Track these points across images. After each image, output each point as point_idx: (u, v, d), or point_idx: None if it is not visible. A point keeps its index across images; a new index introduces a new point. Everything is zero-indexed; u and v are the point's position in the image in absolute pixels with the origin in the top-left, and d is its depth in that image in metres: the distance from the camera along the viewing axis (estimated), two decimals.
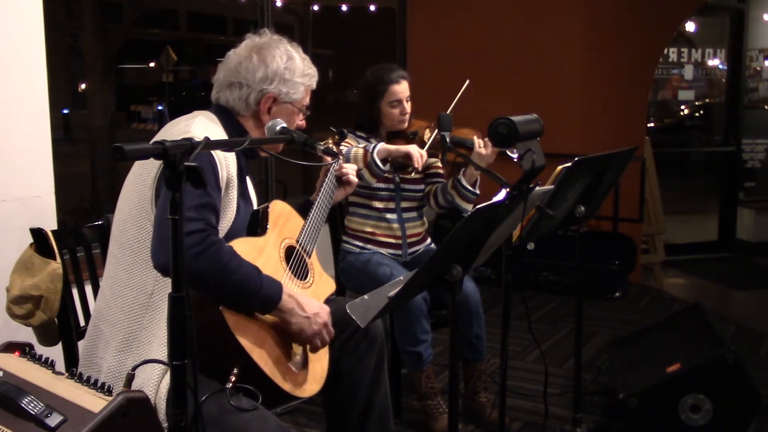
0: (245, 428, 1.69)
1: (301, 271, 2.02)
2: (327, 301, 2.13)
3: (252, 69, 1.98)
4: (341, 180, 2.29)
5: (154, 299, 1.79)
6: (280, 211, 2.06)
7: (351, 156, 2.77)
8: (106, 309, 1.85)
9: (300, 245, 2.06)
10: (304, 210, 2.17)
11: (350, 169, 2.30)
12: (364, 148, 2.79)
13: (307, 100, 2.09)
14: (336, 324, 2.12)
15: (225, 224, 1.86)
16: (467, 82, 2.96)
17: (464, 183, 2.97)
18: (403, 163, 3.05)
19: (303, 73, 2.04)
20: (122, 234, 1.85)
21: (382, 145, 2.79)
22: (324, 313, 1.90)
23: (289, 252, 2.02)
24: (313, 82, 2.09)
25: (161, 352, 1.75)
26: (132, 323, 1.79)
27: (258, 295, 1.75)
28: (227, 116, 2.00)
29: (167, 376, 1.74)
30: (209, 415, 1.67)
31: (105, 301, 1.87)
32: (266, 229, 1.97)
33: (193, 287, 1.68)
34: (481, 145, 2.87)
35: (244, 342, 1.73)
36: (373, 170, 2.76)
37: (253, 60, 1.98)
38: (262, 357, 1.76)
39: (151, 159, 1.75)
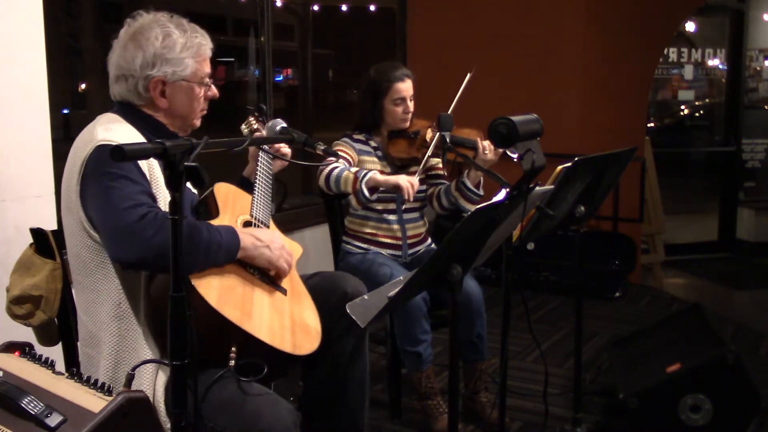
0: (258, 413, 1.69)
1: None
2: (310, 277, 2.15)
3: (130, 58, 1.91)
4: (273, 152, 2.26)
5: (123, 308, 1.79)
6: (225, 191, 2.07)
7: (342, 178, 2.78)
8: (87, 335, 1.85)
9: (254, 218, 2.07)
10: (245, 187, 2.18)
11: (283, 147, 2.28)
12: (355, 173, 2.78)
13: (205, 70, 1.99)
14: (318, 297, 2.14)
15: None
16: (470, 73, 2.95)
17: (468, 185, 2.97)
18: (404, 163, 3.06)
19: (185, 47, 1.94)
20: (75, 259, 1.84)
21: (372, 175, 2.77)
22: (276, 237, 1.97)
23: (247, 226, 2.04)
24: (203, 50, 1.98)
25: (148, 354, 1.77)
26: (112, 338, 1.79)
27: (222, 247, 1.78)
28: (129, 110, 1.95)
29: (160, 373, 1.76)
30: (222, 402, 1.69)
31: (84, 328, 1.87)
32: (218, 211, 1.98)
33: (161, 269, 1.69)
34: (486, 149, 2.87)
35: (236, 319, 1.73)
36: (360, 198, 2.78)
37: (128, 48, 1.92)
38: (255, 328, 1.76)
39: (70, 178, 1.77)
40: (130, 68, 1.91)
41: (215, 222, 1.92)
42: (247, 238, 1.87)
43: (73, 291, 1.91)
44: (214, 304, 1.71)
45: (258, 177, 2.18)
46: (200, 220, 1.92)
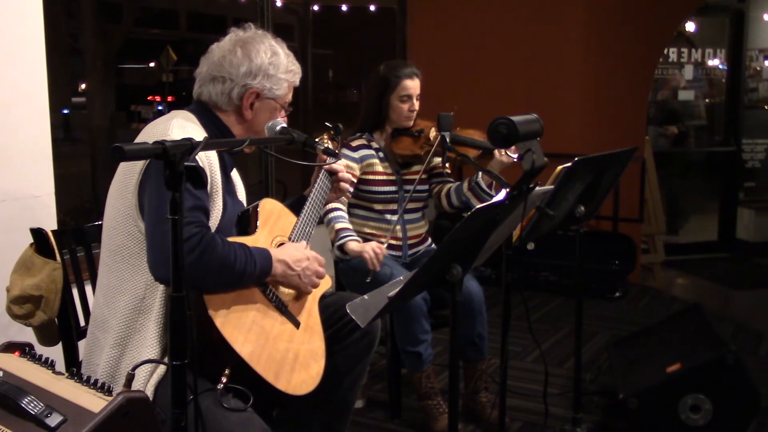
0: (229, 430, 1.68)
1: None
2: (323, 297, 2.13)
3: (236, 63, 1.95)
4: (334, 180, 2.25)
5: (146, 303, 1.79)
6: (270, 209, 2.03)
7: (329, 227, 2.91)
8: (100, 316, 1.86)
9: (292, 243, 2.04)
10: (298, 205, 2.15)
11: (346, 173, 2.26)
12: (336, 231, 2.87)
13: (289, 97, 2.07)
14: (331, 317, 2.15)
15: (212, 222, 1.85)
16: (454, 109, 2.96)
17: (483, 185, 2.96)
18: (406, 161, 3.06)
19: (287, 70, 2.02)
20: (111, 241, 1.85)
21: (346, 241, 2.84)
22: (312, 262, 1.97)
23: None
24: (296, 78, 2.07)
25: (152, 352, 1.77)
26: (124, 328, 1.80)
27: (254, 275, 1.82)
28: (207, 113, 1.98)
29: (156, 374, 1.76)
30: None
31: (99, 309, 1.87)
32: (256, 228, 1.96)
33: (196, 288, 1.70)
34: (503, 153, 2.86)
35: (236, 344, 1.73)
36: (335, 252, 2.92)
37: (237, 54, 1.96)
38: (254, 357, 1.76)
39: (134, 164, 1.76)
40: (232, 73, 1.95)
41: (250, 239, 1.91)
42: (280, 267, 1.88)
43: (98, 269, 1.91)
44: (219, 325, 1.71)
45: (309, 200, 2.14)
46: (237, 233, 1.93)
